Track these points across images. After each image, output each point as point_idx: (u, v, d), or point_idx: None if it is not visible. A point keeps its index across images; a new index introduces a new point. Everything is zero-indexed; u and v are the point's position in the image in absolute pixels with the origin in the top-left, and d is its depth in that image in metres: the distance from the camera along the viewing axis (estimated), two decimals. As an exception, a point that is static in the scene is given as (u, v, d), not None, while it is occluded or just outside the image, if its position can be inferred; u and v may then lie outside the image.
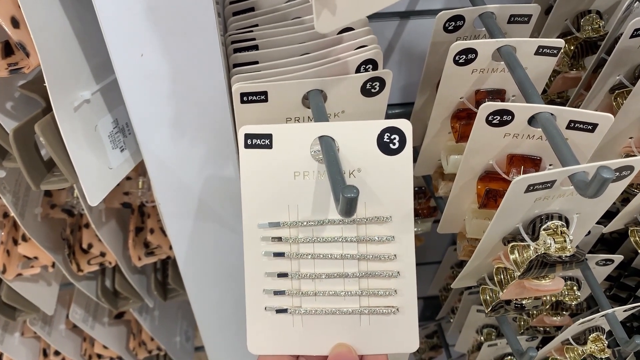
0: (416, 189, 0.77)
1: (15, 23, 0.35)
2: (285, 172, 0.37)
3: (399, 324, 0.38)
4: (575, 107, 0.58)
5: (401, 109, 0.74)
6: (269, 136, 0.36)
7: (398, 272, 0.37)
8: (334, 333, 0.38)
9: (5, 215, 0.61)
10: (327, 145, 0.35)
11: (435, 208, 0.77)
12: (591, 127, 0.40)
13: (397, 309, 0.37)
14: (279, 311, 0.38)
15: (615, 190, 0.39)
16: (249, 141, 0.36)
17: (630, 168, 0.36)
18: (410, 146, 0.36)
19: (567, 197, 0.39)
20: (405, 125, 0.36)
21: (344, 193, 0.30)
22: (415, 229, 0.80)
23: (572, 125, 0.40)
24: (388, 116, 0.76)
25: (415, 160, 0.58)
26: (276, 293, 0.38)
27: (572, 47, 0.57)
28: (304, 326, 0.38)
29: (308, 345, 0.38)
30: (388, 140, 0.36)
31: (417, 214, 0.77)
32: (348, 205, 0.31)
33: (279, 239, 0.37)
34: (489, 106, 0.39)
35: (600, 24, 0.55)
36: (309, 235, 0.37)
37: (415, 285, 0.37)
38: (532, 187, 0.36)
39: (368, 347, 0.38)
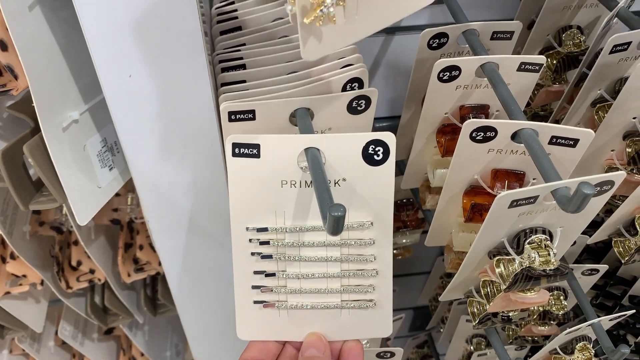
0: (404, 200, 0.78)
1: (3, 46, 0.36)
2: (272, 181, 0.38)
3: (375, 315, 0.41)
4: (558, 120, 0.59)
5: (388, 122, 0.75)
6: (256, 146, 0.37)
7: (377, 271, 0.40)
8: (317, 323, 0.41)
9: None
10: (314, 160, 0.36)
11: (424, 219, 0.78)
12: (572, 142, 0.40)
13: (375, 303, 0.41)
14: (266, 305, 0.41)
15: (597, 204, 0.40)
16: (236, 150, 0.37)
17: (611, 183, 0.37)
18: (393, 157, 0.37)
19: (550, 212, 0.40)
20: (389, 138, 0.37)
21: (332, 212, 0.31)
22: (404, 241, 0.80)
23: (554, 140, 0.40)
24: (375, 129, 0.77)
25: (402, 173, 0.58)
26: (264, 290, 0.41)
27: (554, 62, 0.59)
28: (289, 317, 0.41)
29: (293, 333, 0.41)
30: (372, 152, 0.37)
31: (406, 226, 0.78)
32: (335, 223, 0.31)
33: (267, 242, 0.39)
34: (472, 123, 0.40)
35: (581, 39, 0.57)
36: (295, 239, 0.40)
37: (391, 280, 0.40)
38: (515, 203, 0.37)
39: (347, 334, 0.42)
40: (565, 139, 0.40)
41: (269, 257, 0.40)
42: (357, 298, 0.41)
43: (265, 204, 0.38)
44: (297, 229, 0.39)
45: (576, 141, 0.40)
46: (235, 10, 0.49)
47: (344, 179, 0.38)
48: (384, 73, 0.67)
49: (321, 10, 0.27)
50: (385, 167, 0.38)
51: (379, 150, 0.37)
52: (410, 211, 0.77)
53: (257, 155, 0.37)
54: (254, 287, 0.40)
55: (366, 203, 0.39)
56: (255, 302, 0.41)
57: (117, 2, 0.36)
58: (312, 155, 0.36)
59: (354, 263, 0.40)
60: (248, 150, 0.37)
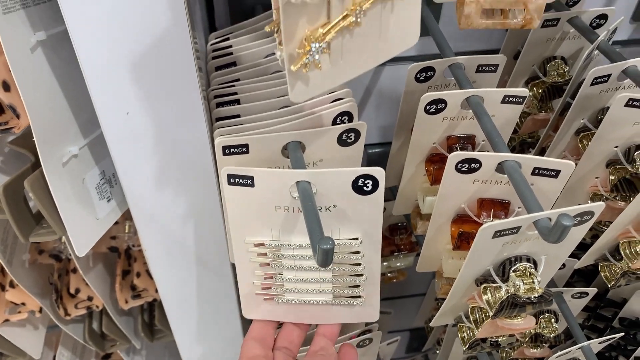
0: (398, 224, 0.79)
1: (6, 87, 0.37)
2: (266, 205, 0.41)
3: (363, 307, 0.47)
4: (544, 148, 0.61)
5: (380, 148, 0.77)
6: (250, 177, 0.39)
7: (365, 277, 0.45)
8: (311, 311, 0.47)
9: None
10: (305, 194, 0.37)
11: (417, 243, 0.79)
12: (554, 173, 0.42)
13: (363, 300, 0.46)
14: (266, 299, 0.46)
15: (578, 233, 0.41)
16: (231, 180, 0.40)
17: (591, 213, 0.38)
18: (382, 188, 0.39)
19: (533, 241, 0.41)
20: (379, 173, 0.39)
21: (321, 244, 0.32)
22: (398, 264, 0.81)
23: (537, 171, 0.42)
24: (367, 155, 0.78)
25: (394, 197, 0.60)
26: (263, 287, 0.45)
27: (540, 91, 0.60)
28: (287, 305, 0.46)
29: (291, 317, 0.47)
30: (362, 184, 0.39)
31: (399, 249, 0.79)
32: (324, 256, 0.33)
33: (264, 253, 0.43)
34: (457, 155, 0.42)
35: (565, 69, 0.59)
36: (290, 252, 0.43)
37: (378, 285, 0.46)
38: (499, 233, 0.38)
39: (337, 319, 0.47)
40: (547, 170, 0.42)
41: (267, 264, 0.44)
42: (346, 295, 0.46)
43: (261, 222, 0.42)
44: (292, 244, 0.43)
45: (558, 172, 0.42)
46: (230, 47, 0.51)
47: (334, 205, 0.40)
48: (375, 102, 0.69)
49: (307, 58, 0.28)
50: (375, 196, 0.40)
51: (368, 182, 0.39)
52: (404, 235, 0.79)
53: (252, 185, 0.40)
54: (254, 284, 0.45)
55: (356, 224, 0.42)
56: (257, 293, 0.46)
57: (114, 44, 0.38)
58: (303, 189, 0.38)
59: (344, 269, 0.44)
60: (242, 180, 0.40)
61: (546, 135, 0.60)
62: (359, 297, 0.46)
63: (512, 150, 0.67)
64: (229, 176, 0.40)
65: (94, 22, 0.37)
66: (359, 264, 0.44)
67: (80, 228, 0.44)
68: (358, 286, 0.45)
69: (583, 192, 0.55)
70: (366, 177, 0.39)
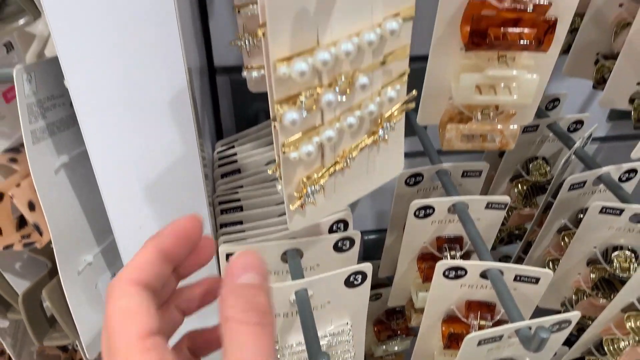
0: (395, 309, 0.81)
1: (32, 206, 0.41)
2: None
3: None
4: (530, 242, 0.64)
5: (375, 234, 0.80)
6: None
7: (354, 354, 0.47)
8: None
9: (2, 352, 0.64)
10: (303, 306, 0.41)
11: (412, 328, 0.81)
12: (535, 280, 0.45)
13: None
14: None
15: (559, 338, 0.44)
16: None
17: (568, 321, 0.41)
18: (369, 280, 0.43)
19: (517, 345, 0.44)
20: (368, 268, 0.43)
21: None
22: (395, 348, 0.83)
23: (518, 278, 0.45)
24: (364, 242, 0.81)
25: (390, 284, 0.63)
26: None
27: (524, 188, 0.64)
28: None
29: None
30: (353, 279, 0.43)
31: (396, 334, 0.81)
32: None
33: None
34: (444, 264, 0.45)
35: (546, 169, 0.63)
36: (288, 351, 0.45)
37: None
38: (483, 341, 0.41)
39: None
40: (528, 277, 0.45)
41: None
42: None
43: None
44: (291, 344, 0.45)
45: (538, 279, 0.45)
46: (235, 154, 0.55)
47: (328, 302, 0.44)
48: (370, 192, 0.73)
49: (304, 199, 0.32)
50: (363, 287, 0.44)
51: (358, 277, 0.43)
52: (400, 320, 0.81)
53: None
54: None
55: (345, 310, 0.45)
56: None
57: (128, 164, 0.42)
58: (301, 300, 0.41)
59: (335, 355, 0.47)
60: None
61: (531, 230, 0.63)
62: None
63: (501, 242, 0.71)
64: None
65: (112, 145, 0.41)
66: (350, 342, 0.47)
67: (91, 332, 0.46)
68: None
69: (567, 286, 0.58)
70: (357, 272, 0.43)
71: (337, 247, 0.48)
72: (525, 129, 0.60)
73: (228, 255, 0.46)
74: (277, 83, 0.28)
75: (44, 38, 0.53)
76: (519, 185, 0.64)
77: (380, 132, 0.33)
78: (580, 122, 0.61)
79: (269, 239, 0.46)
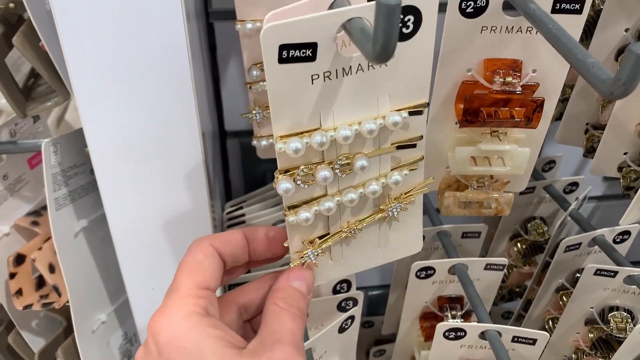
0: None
1: (52, 269, 0.43)
2: None
3: None
4: (530, 300, 0.65)
5: (379, 290, 0.82)
6: None
7: None
8: None
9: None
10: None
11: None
12: (532, 341, 0.46)
13: None
14: None
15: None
16: None
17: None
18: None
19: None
20: (356, 310, 0.45)
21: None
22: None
23: (516, 339, 0.47)
24: (368, 297, 0.83)
25: (394, 340, 0.64)
26: None
27: (523, 247, 0.66)
28: None
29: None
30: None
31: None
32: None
33: None
34: (444, 325, 0.47)
35: (544, 229, 0.65)
36: None
37: None
38: (482, 404, 0.42)
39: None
40: (525, 338, 0.46)
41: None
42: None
43: None
44: None
45: (535, 340, 0.46)
46: (244, 215, 0.58)
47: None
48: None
49: (303, 259, 0.35)
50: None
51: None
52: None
53: None
54: None
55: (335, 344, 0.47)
56: None
57: (144, 229, 0.45)
58: None
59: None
60: None
61: (531, 288, 0.65)
62: None
63: (502, 299, 0.72)
64: None
65: (129, 209, 0.44)
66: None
67: (103, 389, 0.48)
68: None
69: (567, 345, 0.59)
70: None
71: (341, 307, 0.50)
72: (523, 191, 0.62)
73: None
74: (279, 155, 0.31)
75: (64, 104, 0.57)
76: (518, 244, 0.66)
77: (389, 211, 0.35)
78: (575, 184, 0.64)
79: (275, 300, 0.48)
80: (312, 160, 0.32)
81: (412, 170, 0.35)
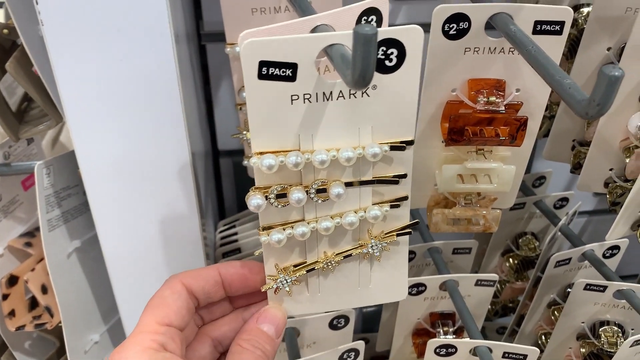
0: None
1: (44, 290, 0.44)
2: None
3: None
4: (523, 315, 0.66)
5: (374, 307, 0.82)
6: None
7: None
8: None
9: None
10: None
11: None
12: (522, 357, 0.47)
13: None
14: None
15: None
16: None
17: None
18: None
19: (507, 423, 0.45)
20: (360, 346, 0.46)
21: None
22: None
23: (507, 355, 0.47)
24: (362, 314, 0.83)
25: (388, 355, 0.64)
26: None
27: (515, 262, 0.67)
28: None
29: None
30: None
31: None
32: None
33: None
34: (435, 342, 0.47)
35: (535, 244, 0.65)
36: None
37: None
38: (473, 420, 0.43)
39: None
40: (516, 354, 0.47)
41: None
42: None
43: None
44: None
45: (525, 356, 0.47)
46: (236, 234, 0.58)
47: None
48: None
49: (275, 285, 0.34)
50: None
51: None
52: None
53: None
54: None
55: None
56: None
57: (135, 249, 0.45)
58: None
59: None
60: None
61: (523, 303, 0.65)
62: None
63: (495, 314, 0.72)
64: None
65: (121, 230, 0.44)
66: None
67: (95, 410, 0.48)
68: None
69: (560, 359, 0.60)
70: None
71: (333, 325, 0.50)
72: (514, 206, 0.63)
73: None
74: (255, 172, 0.31)
75: (59, 126, 0.58)
76: (510, 259, 0.66)
77: (369, 248, 0.35)
78: (565, 200, 0.64)
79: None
80: (289, 182, 0.32)
81: (394, 207, 0.34)
